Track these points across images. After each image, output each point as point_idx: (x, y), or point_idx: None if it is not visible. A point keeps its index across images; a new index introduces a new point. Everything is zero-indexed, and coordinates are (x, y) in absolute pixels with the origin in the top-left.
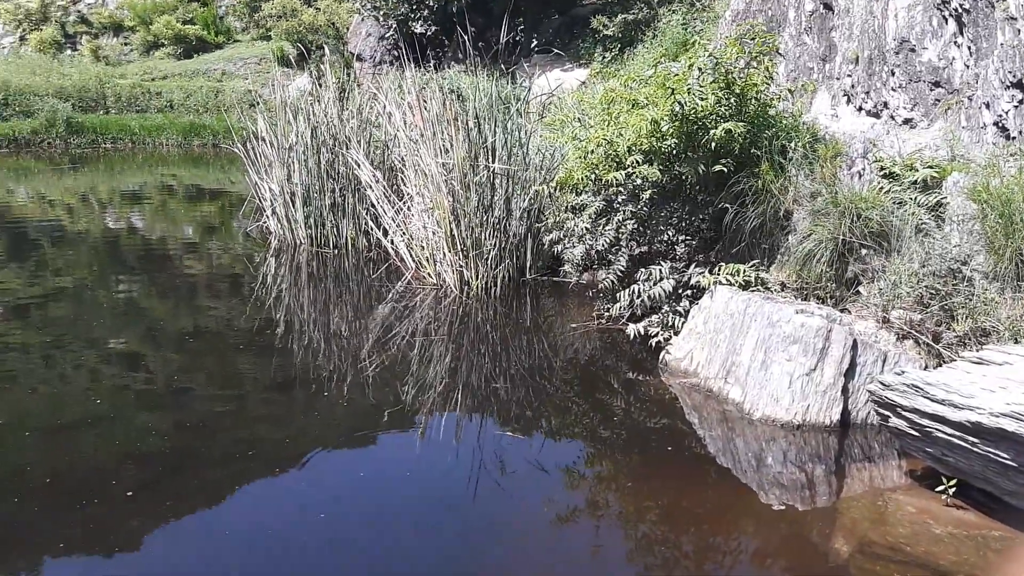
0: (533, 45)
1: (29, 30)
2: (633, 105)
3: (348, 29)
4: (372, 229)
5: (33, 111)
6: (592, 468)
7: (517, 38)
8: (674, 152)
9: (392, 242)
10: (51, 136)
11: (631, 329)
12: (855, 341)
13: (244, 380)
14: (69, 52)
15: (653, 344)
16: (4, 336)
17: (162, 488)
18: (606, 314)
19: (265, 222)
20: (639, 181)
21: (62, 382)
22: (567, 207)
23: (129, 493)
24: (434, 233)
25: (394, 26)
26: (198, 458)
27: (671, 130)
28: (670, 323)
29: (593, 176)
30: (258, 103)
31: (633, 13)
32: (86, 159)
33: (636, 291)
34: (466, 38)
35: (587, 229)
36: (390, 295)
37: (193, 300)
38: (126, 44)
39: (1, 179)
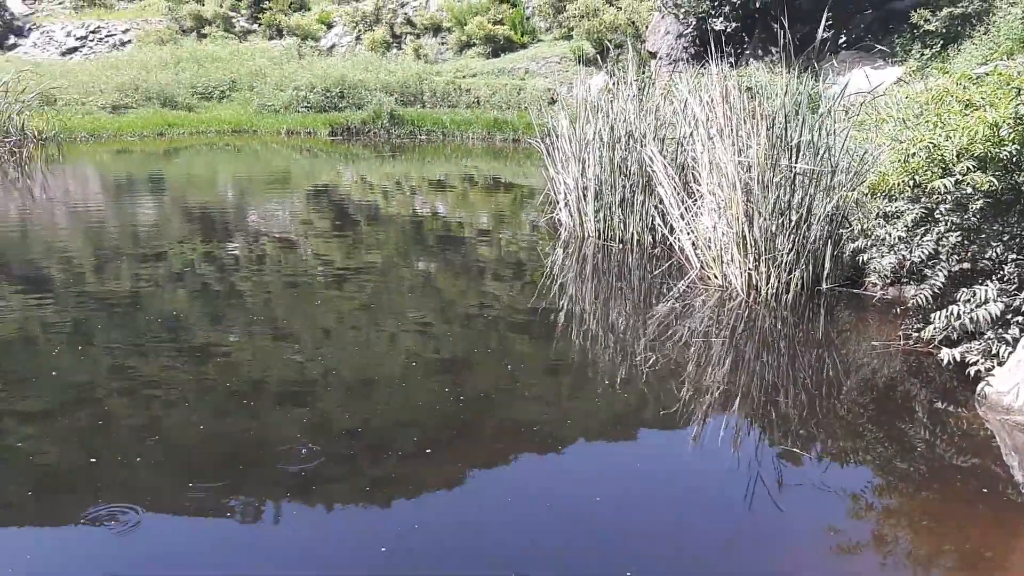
0: (842, 41)
1: (364, 31)
2: (966, 106)
3: (647, 27)
4: (659, 226)
5: (363, 104)
6: (882, 499)
7: (825, 34)
8: (1014, 160)
9: (678, 240)
10: (376, 126)
11: (945, 354)
12: None
13: (523, 361)
14: (395, 51)
15: (971, 373)
16: (326, 301)
17: (451, 449)
18: (914, 334)
19: (557, 214)
20: (968, 190)
21: (367, 345)
22: (877, 214)
23: (427, 450)
24: (724, 233)
25: (693, 23)
26: (479, 426)
27: (1014, 135)
28: (994, 352)
29: (912, 182)
30: (556, 100)
31: (962, 6)
32: (403, 148)
33: (955, 312)
34: (767, 34)
35: (900, 239)
36: (672, 293)
37: (482, 282)
38: (443, 44)
39: (333, 162)
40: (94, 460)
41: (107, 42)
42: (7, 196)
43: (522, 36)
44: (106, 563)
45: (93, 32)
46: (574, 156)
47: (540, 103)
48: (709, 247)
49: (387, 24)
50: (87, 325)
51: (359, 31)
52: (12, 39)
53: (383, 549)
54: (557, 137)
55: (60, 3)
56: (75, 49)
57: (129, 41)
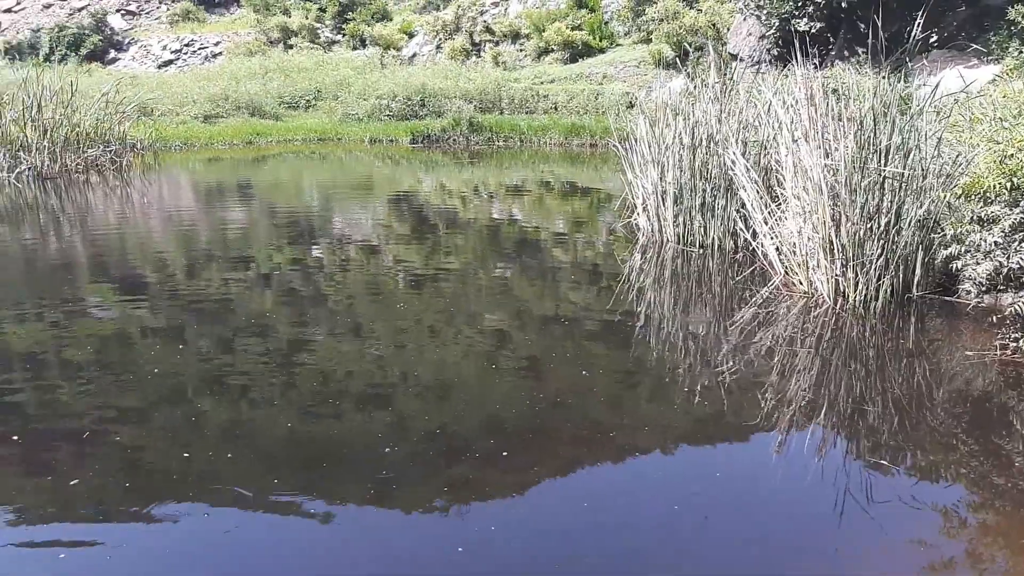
0: (933, 40)
1: (444, 39)
2: None
3: (728, 30)
4: (741, 231)
5: (443, 111)
6: (977, 516)
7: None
8: None
9: (761, 245)
10: (455, 133)
11: None
12: None
13: (600, 366)
14: (474, 59)
15: None
16: (406, 304)
17: (527, 452)
18: (1012, 344)
19: (635, 219)
20: None
21: (445, 348)
22: (971, 218)
23: (504, 453)
24: (809, 239)
25: (776, 24)
26: (556, 431)
27: None
28: None
29: (1010, 184)
30: (635, 104)
31: None
32: (482, 155)
33: None
34: (853, 34)
35: (997, 244)
36: (754, 299)
37: (558, 287)
38: (521, 51)
39: (414, 169)
40: (187, 455)
41: (200, 54)
42: (108, 202)
43: (600, 41)
44: (190, 555)
45: (187, 45)
46: (653, 160)
47: (618, 107)
48: (794, 252)
49: (467, 32)
50: (180, 326)
51: (439, 40)
52: (113, 53)
53: (460, 549)
54: (636, 141)
55: (157, 18)
56: (170, 62)
57: (220, 53)
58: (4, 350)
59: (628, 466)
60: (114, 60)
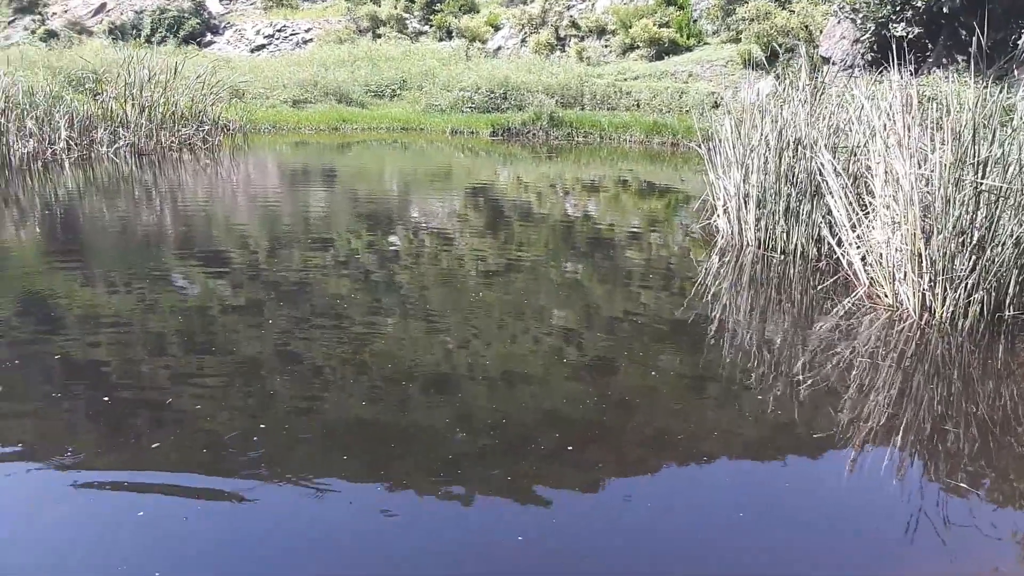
0: None
1: (529, 33)
2: None
3: (821, 32)
4: (826, 238)
5: (524, 105)
6: None
7: (1020, 40)
8: None
9: (846, 254)
10: (536, 128)
11: None
12: None
13: (670, 369)
14: (558, 53)
15: None
16: (477, 295)
17: (591, 450)
18: None
19: (714, 221)
20: None
21: (513, 341)
22: None
23: (569, 447)
24: (898, 250)
25: (872, 28)
26: (620, 431)
27: None
28: None
29: None
30: (720, 104)
31: None
32: (561, 150)
33: None
34: (953, 40)
35: None
36: (836, 310)
37: (630, 287)
38: (606, 46)
39: (492, 162)
40: (263, 427)
41: (291, 40)
42: (198, 180)
43: (688, 39)
44: (258, 527)
45: (279, 31)
46: (737, 161)
47: (702, 107)
48: (880, 263)
49: (552, 26)
50: (260, 303)
51: (525, 33)
52: (209, 36)
53: (520, 538)
54: (720, 141)
55: (252, 3)
56: (262, 46)
57: (311, 40)
58: (94, 316)
59: (693, 471)
60: (210, 43)
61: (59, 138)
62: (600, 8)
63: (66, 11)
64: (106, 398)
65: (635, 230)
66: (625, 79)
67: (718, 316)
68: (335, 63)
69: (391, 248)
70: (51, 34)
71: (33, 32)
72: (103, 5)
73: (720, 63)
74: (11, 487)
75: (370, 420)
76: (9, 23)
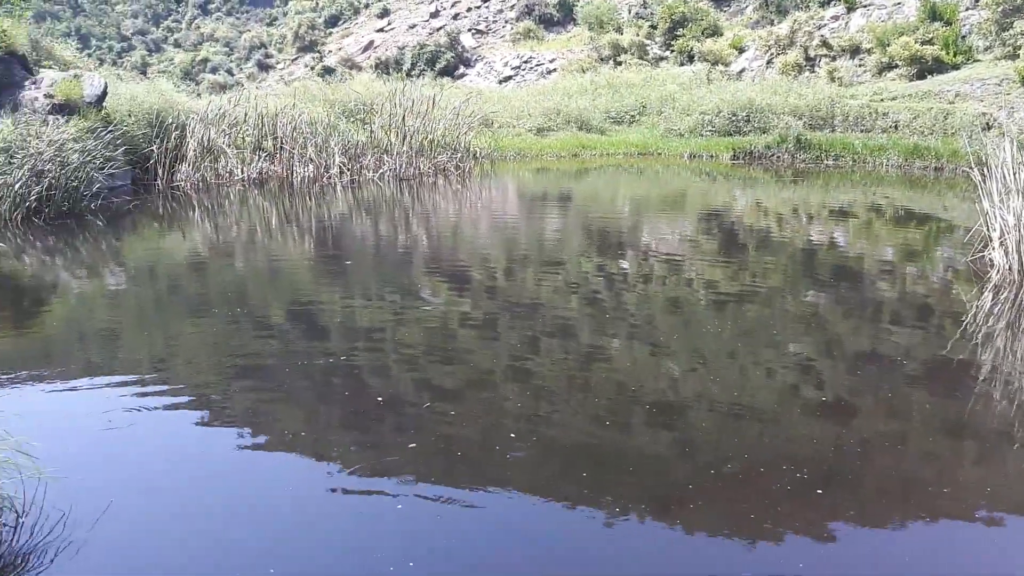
0: None
1: (776, 54)
2: None
3: None
4: None
5: (768, 127)
6: None
7: None
8: None
9: None
10: (780, 151)
11: None
12: None
13: (922, 415)
14: (807, 74)
15: None
16: (706, 323)
17: (821, 493)
18: None
19: (988, 254)
20: None
21: (743, 373)
22: None
23: (819, 491)
24: None
25: None
26: (859, 476)
27: None
28: None
29: None
30: (993, 126)
31: None
32: (807, 174)
33: None
34: None
35: None
36: None
37: (880, 322)
38: (860, 66)
39: (731, 186)
40: (505, 435)
41: (536, 71)
42: (449, 203)
43: (954, 56)
44: (483, 531)
45: (525, 62)
46: (1018, 189)
47: (972, 129)
48: None
49: (801, 47)
50: (495, 319)
51: (771, 54)
52: (461, 68)
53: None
54: (997, 166)
55: (501, 36)
56: (509, 77)
57: (555, 70)
58: (351, 326)
59: (942, 529)
60: (462, 75)
61: (334, 163)
62: (854, 27)
63: (340, 49)
64: (380, 398)
65: (888, 260)
66: (881, 100)
67: (989, 359)
68: (577, 91)
69: (621, 272)
70: (328, 70)
71: (312, 68)
72: (371, 43)
73: (993, 81)
74: (284, 475)
75: (591, 440)
76: (292, 61)
